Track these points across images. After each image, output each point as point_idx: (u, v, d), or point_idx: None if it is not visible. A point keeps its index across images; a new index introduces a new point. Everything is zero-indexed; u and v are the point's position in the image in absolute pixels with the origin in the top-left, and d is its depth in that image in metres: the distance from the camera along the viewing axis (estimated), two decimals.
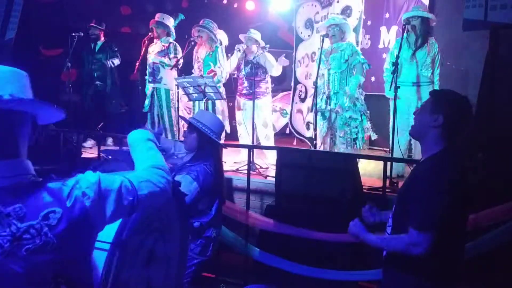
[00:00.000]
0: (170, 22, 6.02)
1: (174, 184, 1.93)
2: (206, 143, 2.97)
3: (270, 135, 5.71)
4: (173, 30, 6.02)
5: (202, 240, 2.93)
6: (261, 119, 5.59)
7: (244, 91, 5.61)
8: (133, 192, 1.34)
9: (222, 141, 5.35)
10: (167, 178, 1.49)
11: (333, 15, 5.81)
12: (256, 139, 5.59)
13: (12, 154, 1.21)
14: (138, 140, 1.65)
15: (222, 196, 3.15)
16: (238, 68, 5.63)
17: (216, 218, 2.99)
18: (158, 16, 5.98)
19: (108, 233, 1.58)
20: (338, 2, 6.21)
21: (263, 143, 5.67)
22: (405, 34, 4.63)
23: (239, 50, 5.44)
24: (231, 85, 5.92)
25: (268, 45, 5.54)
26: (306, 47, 6.73)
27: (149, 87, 6.02)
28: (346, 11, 6.03)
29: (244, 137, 5.69)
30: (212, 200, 2.97)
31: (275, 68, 5.49)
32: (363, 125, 4.92)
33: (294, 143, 6.63)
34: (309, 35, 6.81)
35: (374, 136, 5.09)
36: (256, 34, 5.49)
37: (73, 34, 6.24)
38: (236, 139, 5.90)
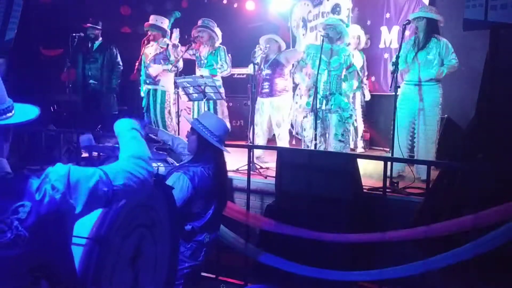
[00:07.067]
0: (165, 23, 6.01)
1: (159, 178, 1.88)
2: (206, 146, 2.89)
3: (283, 135, 5.63)
4: (168, 31, 6.02)
5: (193, 244, 2.84)
6: (275, 118, 5.58)
7: (265, 90, 5.60)
8: (107, 183, 1.34)
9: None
10: (147, 169, 1.47)
11: (330, 14, 5.83)
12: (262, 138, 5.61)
13: None
14: (124, 130, 1.65)
15: (222, 202, 3.05)
16: (258, 68, 5.62)
17: (210, 223, 2.89)
18: (152, 19, 5.98)
19: (84, 227, 1.57)
20: (328, 0, 6.23)
21: (277, 142, 5.66)
22: (413, 36, 4.76)
23: (260, 49, 5.44)
24: (228, 85, 5.91)
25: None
26: (301, 47, 6.73)
27: (144, 88, 6.02)
28: (336, 8, 6.06)
29: (259, 136, 5.67)
30: (208, 205, 2.88)
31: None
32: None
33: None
34: (303, 34, 6.82)
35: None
36: (277, 36, 5.57)
37: (73, 34, 6.24)
38: (236, 139, 5.88)
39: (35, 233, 1.19)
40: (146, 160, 1.50)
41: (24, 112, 1.32)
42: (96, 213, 1.56)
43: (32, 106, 1.36)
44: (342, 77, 5.03)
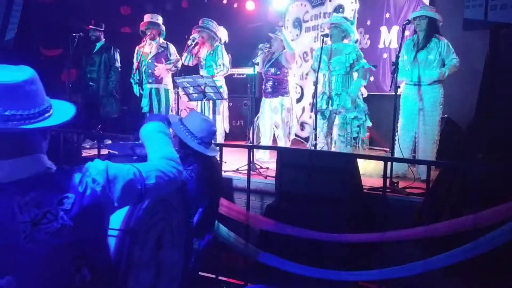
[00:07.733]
0: (160, 20, 6.04)
1: None
2: (187, 148, 2.79)
3: (281, 136, 5.62)
4: (163, 28, 6.03)
5: None
6: (273, 119, 5.57)
7: (268, 90, 5.60)
8: (140, 181, 1.42)
9: (222, 142, 5.41)
10: (178, 168, 1.56)
11: (333, 14, 5.82)
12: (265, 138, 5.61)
13: (29, 151, 1.30)
14: (151, 133, 1.73)
15: (212, 204, 2.95)
16: (261, 67, 5.62)
17: (200, 227, 2.77)
18: (149, 17, 5.98)
19: (115, 220, 1.66)
20: (330, 1, 6.22)
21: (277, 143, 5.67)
22: (414, 35, 4.75)
23: (262, 50, 5.45)
24: (228, 85, 5.90)
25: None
26: (296, 47, 6.73)
27: (148, 87, 6.02)
28: (339, 9, 6.05)
29: (263, 134, 5.67)
30: (195, 209, 2.75)
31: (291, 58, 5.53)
32: (366, 124, 4.94)
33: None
34: (297, 35, 6.81)
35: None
36: (281, 33, 5.53)
37: (73, 34, 6.24)
38: (236, 139, 5.87)
39: (78, 223, 1.27)
40: (176, 160, 1.58)
41: (61, 112, 1.37)
42: (126, 207, 1.64)
43: (68, 104, 1.41)
44: (349, 75, 4.96)
